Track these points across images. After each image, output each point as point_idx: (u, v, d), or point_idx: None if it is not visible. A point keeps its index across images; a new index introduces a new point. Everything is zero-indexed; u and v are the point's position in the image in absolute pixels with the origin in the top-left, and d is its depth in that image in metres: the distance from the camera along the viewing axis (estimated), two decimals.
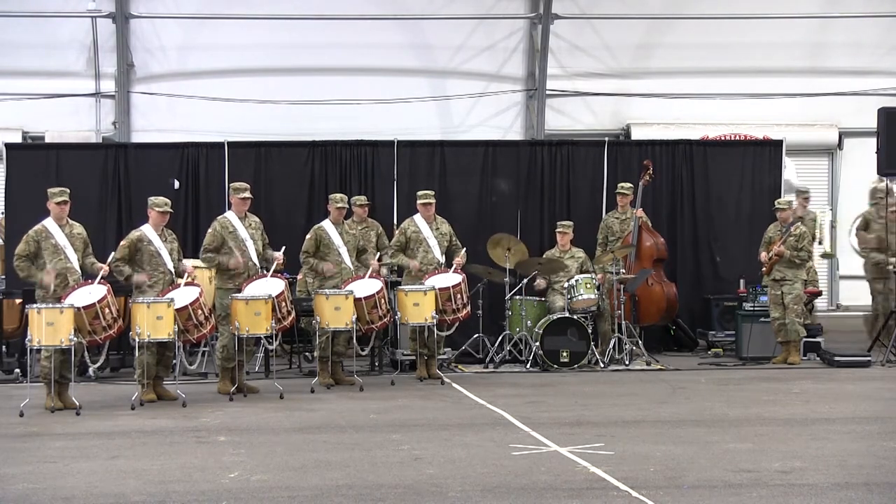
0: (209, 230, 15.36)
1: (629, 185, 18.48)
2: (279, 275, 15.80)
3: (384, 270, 16.77)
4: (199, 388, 15.76)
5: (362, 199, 17.32)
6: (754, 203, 19.99)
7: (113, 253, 14.48)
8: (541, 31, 24.43)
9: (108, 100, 24.22)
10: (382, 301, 16.23)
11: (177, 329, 14.74)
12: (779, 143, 21.02)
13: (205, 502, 9.59)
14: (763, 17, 24.90)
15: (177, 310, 14.75)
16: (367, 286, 16.00)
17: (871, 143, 19.99)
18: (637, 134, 24.07)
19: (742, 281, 19.08)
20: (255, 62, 23.85)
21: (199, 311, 15.23)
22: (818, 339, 18.78)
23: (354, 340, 15.86)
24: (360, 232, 16.92)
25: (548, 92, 24.68)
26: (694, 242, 19.99)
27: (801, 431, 13.32)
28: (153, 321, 14.29)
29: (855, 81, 25.25)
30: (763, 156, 20.64)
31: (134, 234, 14.72)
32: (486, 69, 24.81)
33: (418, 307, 15.99)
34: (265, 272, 15.50)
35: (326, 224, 16.11)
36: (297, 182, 18.64)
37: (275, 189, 18.44)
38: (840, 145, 25.67)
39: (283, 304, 15.48)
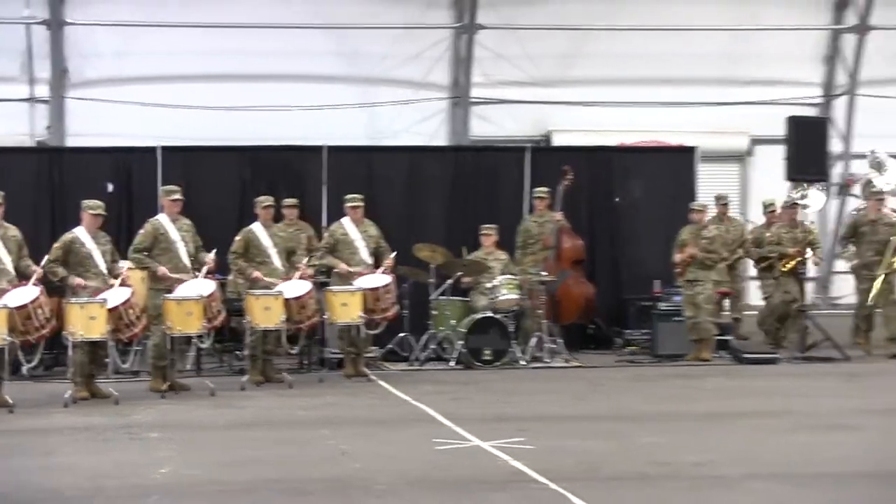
0: (140, 231, 15.35)
1: (546, 189, 18.67)
2: (211, 276, 15.75)
3: (310, 271, 16.82)
4: (132, 386, 15.68)
5: (291, 200, 17.44)
6: (668, 207, 19.87)
7: (47, 255, 14.40)
8: (465, 41, 24.41)
9: (43, 105, 23.93)
10: (311, 301, 16.20)
11: (109, 328, 14.59)
12: (692, 149, 21.13)
13: (137, 497, 9.50)
14: (678, 29, 24.84)
15: (109, 310, 14.62)
16: (296, 287, 16.06)
17: (780, 149, 20.28)
18: (558, 140, 24.01)
19: (657, 282, 19.04)
20: (189, 69, 23.76)
21: (131, 311, 15.19)
22: (728, 337, 18.99)
23: (284, 339, 15.95)
24: (290, 234, 17.00)
25: (472, 99, 24.74)
26: (611, 245, 20.05)
27: (713, 425, 13.45)
28: (86, 321, 14.28)
29: (765, 91, 25.50)
30: (677, 161, 20.90)
31: (67, 236, 14.73)
32: (413, 77, 24.70)
33: (346, 307, 16.02)
34: (196, 273, 15.46)
35: (256, 226, 16.17)
36: (229, 186, 18.61)
37: (207, 193, 18.28)
38: (750, 152, 25.90)
39: (214, 304, 15.53)
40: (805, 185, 20.75)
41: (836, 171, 25.04)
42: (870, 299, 18.17)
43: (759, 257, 19.69)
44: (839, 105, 26.04)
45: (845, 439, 12.69)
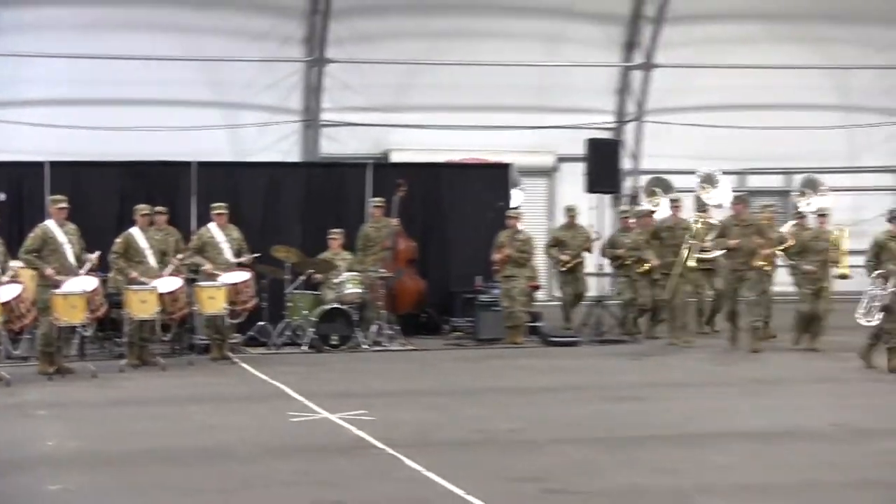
0: (30, 234, 15.17)
1: (382, 199, 18.70)
2: (94, 273, 15.54)
3: (178, 268, 16.69)
4: (22, 369, 15.39)
5: (161, 208, 17.03)
6: (488, 214, 20.01)
7: None
8: (316, 73, 24.58)
9: None
10: (182, 295, 16.20)
11: (2, 320, 14.52)
12: (507, 165, 21.32)
13: (27, 466, 9.40)
14: (497, 65, 24.96)
15: (2, 304, 14.52)
16: (168, 283, 16.01)
17: (580, 166, 20.47)
18: (395, 158, 24.11)
19: (478, 277, 19.06)
20: (75, 94, 23.19)
21: (21, 305, 15.00)
22: (538, 324, 19.15)
23: (158, 328, 15.87)
24: (162, 237, 16.72)
25: (322, 123, 24.75)
26: (440, 246, 20.05)
27: (524, 398, 13.74)
28: None
29: (568, 117, 25.45)
30: (495, 176, 20.95)
31: None
32: (271, 103, 24.63)
33: (213, 300, 16.09)
34: (80, 271, 15.26)
35: (134, 230, 16.02)
36: (110, 196, 18.16)
37: (91, 202, 17.87)
38: (556, 168, 25.93)
39: (97, 297, 15.32)
40: (657, 193, 21.17)
41: (627, 185, 24.87)
42: (666, 295, 17.88)
43: (612, 257, 19.30)
44: (629, 130, 26.17)
45: (634, 408, 13.07)
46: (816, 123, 26.29)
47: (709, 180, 21.47)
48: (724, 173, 21.45)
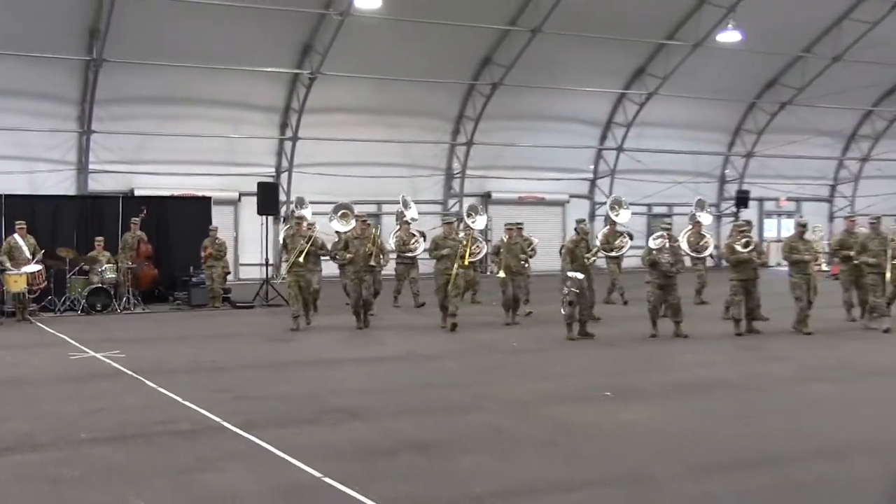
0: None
1: (135, 218, 18.94)
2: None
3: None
4: None
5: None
6: (196, 231, 20.06)
7: None
8: (86, 139, 24.06)
9: None
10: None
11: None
12: (209, 198, 21.54)
13: None
14: (202, 136, 24.89)
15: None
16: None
17: (254, 199, 21.08)
18: (138, 193, 23.66)
19: (192, 267, 19.49)
20: None
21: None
22: (229, 296, 19.57)
23: None
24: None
25: (90, 170, 24.23)
26: (169, 249, 20.12)
27: (221, 342, 13.63)
28: None
29: (248, 168, 25.72)
30: (201, 204, 21.21)
31: None
32: (57, 157, 24.23)
33: (17, 282, 16.48)
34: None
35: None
36: None
37: None
38: (239, 200, 25.65)
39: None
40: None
41: (283, 210, 24.92)
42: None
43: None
44: (284, 177, 26.66)
45: (288, 346, 13.36)
46: (392, 174, 27.55)
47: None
48: (345, 204, 19.39)
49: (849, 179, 35.40)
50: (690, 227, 19.49)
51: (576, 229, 15.02)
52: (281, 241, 16.79)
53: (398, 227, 19.53)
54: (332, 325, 15.76)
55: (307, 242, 15.51)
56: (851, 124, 34.21)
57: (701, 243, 19.21)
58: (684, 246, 17.43)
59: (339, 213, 18.98)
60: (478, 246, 17.64)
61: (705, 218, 20.19)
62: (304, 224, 16.61)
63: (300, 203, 20.09)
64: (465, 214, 20.17)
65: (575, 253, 14.21)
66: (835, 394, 9.97)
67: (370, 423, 8.26)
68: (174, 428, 8.11)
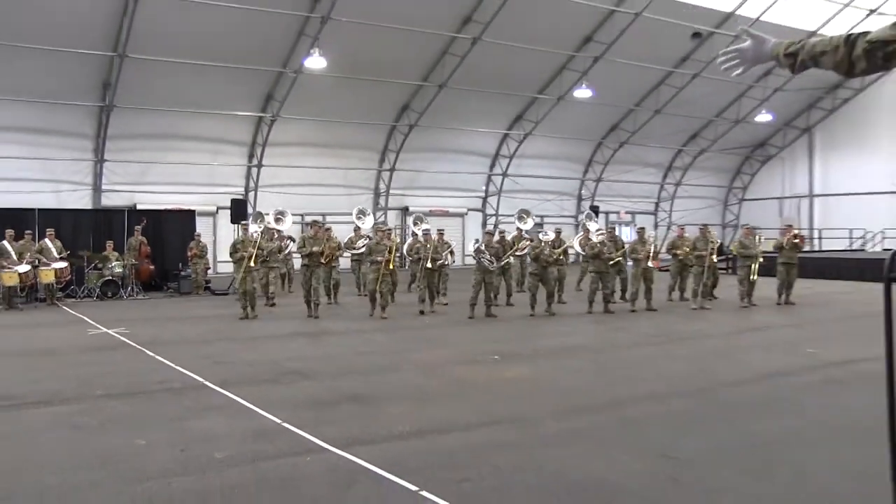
0: None
1: (138, 226, 18.39)
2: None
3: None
4: None
5: (10, 231, 16.50)
6: (183, 235, 19.63)
7: None
8: (99, 166, 23.24)
9: None
10: (30, 274, 15.92)
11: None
12: (193, 211, 20.84)
13: None
14: (189, 163, 24.22)
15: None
16: (23, 268, 15.79)
17: (228, 211, 20.81)
18: (140, 207, 22.39)
19: (181, 264, 18.97)
20: None
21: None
22: (210, 286, 18.60)
23: (18, 290, 15.54)
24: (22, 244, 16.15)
25: (103, 189, 23.39)
26: (161, 250, 19.48)
27: (201, 321, 13.07)
28: None
29: (223, 188, 25.08)
30: (187, 217, 20.40)
31: None
32: (78, 179, 23.31)
33: (48, 276, 15.95)
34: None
35: (4, 242, 16.00)
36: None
37: None
38: (217, 212, 24.68)
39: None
40: (265, 218, 18.27)
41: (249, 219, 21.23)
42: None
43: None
44: (252, 195, 25.73)
45: (249, 324, 12.74)
46: (334, 193, 26.56)
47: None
48: (419, 215, 19.56)
49: (667, 199, 35.70)
50: (582, 233, 18.41)
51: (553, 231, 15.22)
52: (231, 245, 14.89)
53: (411, 237, 18.81)
54: (288, 314, 14.48)
55: (257, 248, 14.15)
56: (668, 159, 34.72)
57: (589, 244, 17.39)
58: (576, 246, 16.80)
59: (414, 218, 19.52)
60: (450, 249, 15.44)
61: (592, 226, 19.20)
62: (273, 232, 16.30)
63: (258, 216, 19.11)
64: (412, 223, 19.81)
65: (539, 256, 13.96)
66: (660, 354, 10.01)
67: (318, 382, 8.04)
68: (168, 386, 7.90)
